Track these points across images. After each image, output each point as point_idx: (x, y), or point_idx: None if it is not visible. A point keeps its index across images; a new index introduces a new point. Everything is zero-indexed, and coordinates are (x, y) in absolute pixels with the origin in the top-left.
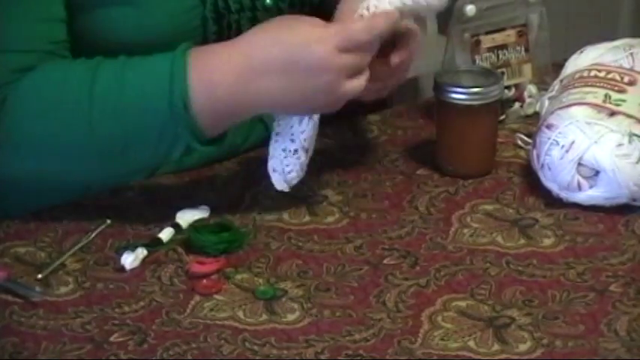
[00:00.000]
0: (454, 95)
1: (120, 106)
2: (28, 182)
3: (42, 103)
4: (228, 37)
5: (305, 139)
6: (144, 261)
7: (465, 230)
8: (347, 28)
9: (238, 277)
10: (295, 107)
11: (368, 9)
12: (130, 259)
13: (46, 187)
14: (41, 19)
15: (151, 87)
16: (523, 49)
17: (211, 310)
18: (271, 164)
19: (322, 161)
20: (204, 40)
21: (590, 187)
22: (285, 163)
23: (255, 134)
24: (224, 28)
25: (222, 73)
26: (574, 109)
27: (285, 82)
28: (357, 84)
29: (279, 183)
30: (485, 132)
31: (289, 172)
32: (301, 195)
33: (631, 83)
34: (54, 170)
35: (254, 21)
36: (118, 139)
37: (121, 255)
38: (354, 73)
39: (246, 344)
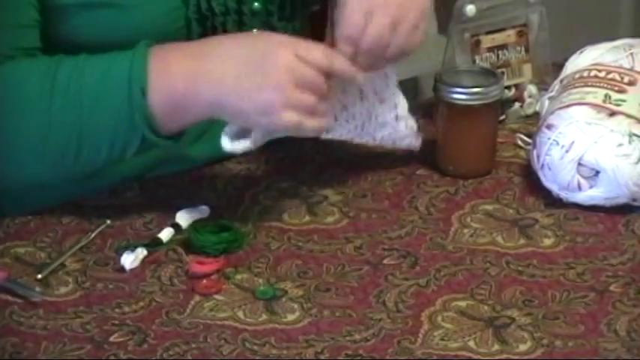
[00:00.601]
0: (454, 95)
1: (79, 93)
2: None
3: (3, 98)
4: None
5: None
6: (144, 261)
7: (465, 230)
8: (310, 44)
9: (238, 277)
10: (242, 101)
11: None
12: (129, 260)
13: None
14: (8, 24)
15: (111, 74)
16: (523, 49)
17: (211, 310)
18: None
19: (322, 161)
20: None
21: (590, 187)
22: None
23: None
24: (208, 29)
25: (178, 60)
26: (574, 109)
27: (238, 69)
28: (301, 99)
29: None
30: (485, 132)
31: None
32: (301, 195)
33: (631, 83)
34: (12, 168)
35: (240, 25)
36: (77, 127)
37: (120, 255)
38: (307, 87)
39: (246, 344)
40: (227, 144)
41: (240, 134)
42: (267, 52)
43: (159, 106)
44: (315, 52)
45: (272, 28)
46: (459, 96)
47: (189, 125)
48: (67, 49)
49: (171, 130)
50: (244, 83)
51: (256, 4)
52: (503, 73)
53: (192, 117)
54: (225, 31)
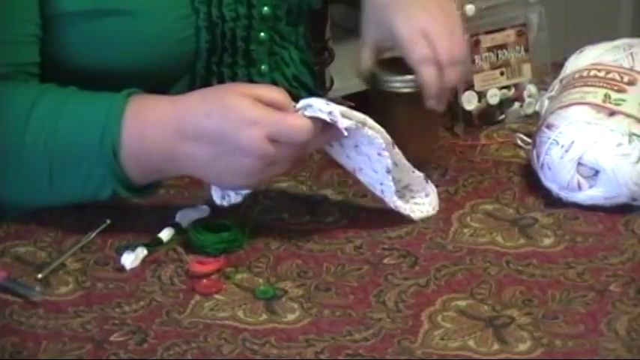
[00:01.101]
0: (388, 84)
1: (52, 136)
2: None
3: None
4: (222, 47)
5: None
6: (144, 261)
7: (465, 230)
8: (284, 122)
9: (238, 276)
10: (217, 180)
11: (307, 109)
12: (130, 259)
13: None
14: (4, 41)
15: (85, 125)
16: (522, 48)
17: (211, 309)
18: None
19: (322, 161)
20: (197, 50)
21: (590, 186)
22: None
23: None
24: (217, 36)
25: (152, 130)
26: (574, 109)
27: (211, 153)
28: (276, 170)
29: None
30: (423, 119)
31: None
32: (301, 195)
33: (631, 83)
34: None
35: (249, 30)
36: (46, 169)
37: (121, 255)
38: (279, 162)
39: (246, 344)
40: (217, 199)
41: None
42: (237, 135)
43: (131, 169)
44: (290, 131)
45: (279, 33)
46: (394, 84)
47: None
48: (66, 67)
49: (142, 183)
50: (220, 167)
51: (265, 8)
52: (502, 73)
53: (163, 178)
54: (234, 37)
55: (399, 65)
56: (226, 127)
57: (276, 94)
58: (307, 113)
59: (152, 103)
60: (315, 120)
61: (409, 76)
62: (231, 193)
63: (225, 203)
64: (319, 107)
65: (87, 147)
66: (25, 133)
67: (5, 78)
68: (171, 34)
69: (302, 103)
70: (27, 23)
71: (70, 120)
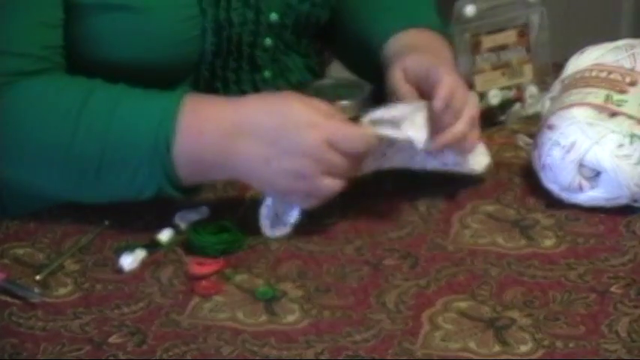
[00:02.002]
0: None
1: (105, 131)
2: (6, 183)
3: (31, 112)
4: (228, 50)
5: None
6: (143, 262)
7: (466, 231)
8: (346, 129)
9: (238, 278)
10: (268, 183)
11: (372, 121)
12: (129, 260)
13: (21, 192)
14: (38, 23)
15: (140, 122)
16: (524, 49)
17: (211, 311)
18: None
19: None
20: (202, 51)
21: (591, 187)
22: None
23: None
24: (223, 40)
25: (211, 126)
26: (575, 110)
27: (267, 152)
28: (332, 184)
29: None
30: None
31: None
32: None
33: (632, 84)
34: (27, 178)
35: (256, 35)
36: (94, 166)
37: (120, 256)
38: (333, 172)
39: (246, 345)
40: (267, 229)
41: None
42: (297, 134)
43: (182, 167)
44: (351, 138)
45: (284, 42)
46: None
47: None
48: (82, 56)
49: (188, 185)
50: (272, 168)
51: (273, 15)
52: (503, 74)
53: (212, 179)
54: (239, 41)
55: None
56: (287, 126)
57: (334, 109)
58: (369, 124)
59: (211, 101)
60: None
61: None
62: (282, 223)
63: (275, 233)
64: (389, 127)
65: (141, 141)
66: (77, 129)
67: (44, 60)
68: (177, 33)
69: (370, 116)
70: (55, 7)
71: (125, 116)
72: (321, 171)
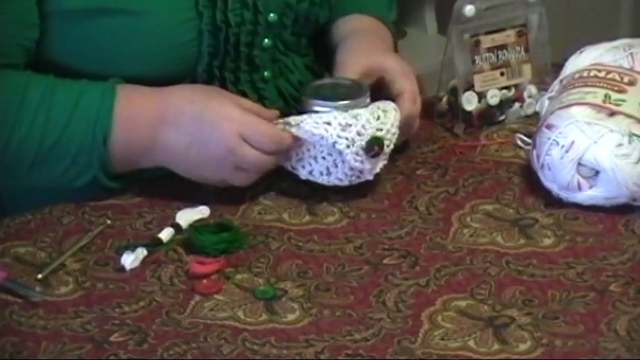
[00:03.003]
0: (318, 108)
1: (46, 119)
2: None
3: None
4: (225, 52)
5: None
6: (144, 261)
7: (465, 230)
8: (260, 125)
9: (238, 277)
10: (189, 171)
11: (289, 124)
12: (130, 259)
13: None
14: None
15: (78, 114)
16: (523, 49)
17: (211, 310)
18: None
19: None
20: (199, 53)
21: (590, 187)
22: None
23: None
24: (221, 41)
25: (140, 117)
26: (574, 109)
27: (186, 141)
28: (242, 177)
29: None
30: None
31: None
32: (301, 195)
33: (631, 83)
34: None
35: (254, 35)
36: (30, 157)
37: (121, 255)
38: (244, 166)
39: (246, 344)
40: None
41: None
42: (213, 125)
43: (115, 156)
44: (263, 135)
45: (283, 41)
46: (323, 109)
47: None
48: (66, 66)
49: (121, 172)
50: (192, 155)
51: (272, 15)
52: (502, 73)
53: (142, 167)
54: (237, 42)
55: (330, 89)
56: (205, 115)
57: (258, 106)
58: (293, 130)
59: (141, 91)
60: (295, 137)
61: (340, 102)
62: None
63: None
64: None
65: (78, 135)
66: (16, 124)
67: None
68: (173, 36)
69: (290, 119)
70: (20, 26)
71: (62, 109)
72: (234, 164)
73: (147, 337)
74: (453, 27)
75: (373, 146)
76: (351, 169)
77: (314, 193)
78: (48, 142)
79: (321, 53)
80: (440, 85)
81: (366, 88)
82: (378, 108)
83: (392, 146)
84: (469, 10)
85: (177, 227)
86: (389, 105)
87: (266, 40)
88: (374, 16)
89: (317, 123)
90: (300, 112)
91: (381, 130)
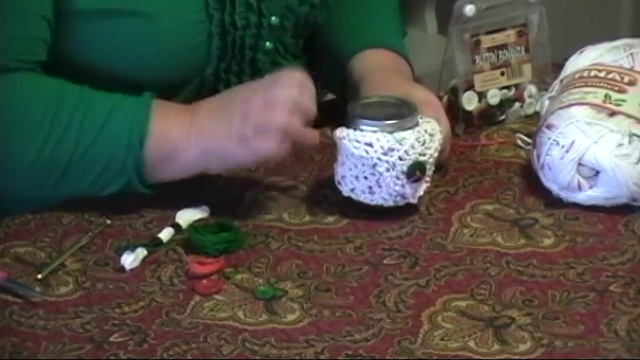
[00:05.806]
0: (364, 127)
1: (80, 128)
2: None
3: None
4: (232, 54)
5: None
6: (144, 261)
7: (465, 230)
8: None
9: (238, 277)
10: (222, 147)
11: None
12: (129, 259)
13: None
14: (16, 36)
15: (114, 117)
16: (523, 49)
17: (211, 310)
18: None
19: (322, 161)
20: (208, 56)
21: (590, 187)
22: None
23: None
24: (228, 44)
25: (176, 118)
26: (574, 109)
27: (219, 116)
28: (268, 144)
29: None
30: None
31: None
32: (301, 195)
33: (631, 83)
34: None
35: (258, 38)
36: (67, 158)
37: (120, 255)
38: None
39: (246, 344)
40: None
41: None
42: (242, 99)
43: (151, 157)
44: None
45: (283, 44)
46: (368, 128)
47: (171, 179)
48: (76, 66)
49: (153, 181)
50: (224, 128)
51: (274, 18)
52: (503, 73)
53: (175, 173)
54: (242, 44)
55: (379, 109)
56: (235, 97)
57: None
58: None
59: (174, 107)
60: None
61: (388, 122)
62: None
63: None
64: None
65: (114, 138)
66: (53, 125)
67: (15, 72)
68: (184, 38)
69: (337, 131)
70: (39, 20)
71: (99, 113)
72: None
73: (147, 338)
74: (453, 27)
75: (415, 171)
76: (393, 191)
77: (314, 193)
78: (82, 146)
79: (312, 56)
80: (440, 85)
81: (413, 108)
82: (426, 132)
83: (433, 169)
84: (469, 9)
85: (177, 227)
86: (436, 127)
87: (267, 44)
88: (390, 49)
89: (359, 142)
90: (347, 127)
91: (424, 155)
